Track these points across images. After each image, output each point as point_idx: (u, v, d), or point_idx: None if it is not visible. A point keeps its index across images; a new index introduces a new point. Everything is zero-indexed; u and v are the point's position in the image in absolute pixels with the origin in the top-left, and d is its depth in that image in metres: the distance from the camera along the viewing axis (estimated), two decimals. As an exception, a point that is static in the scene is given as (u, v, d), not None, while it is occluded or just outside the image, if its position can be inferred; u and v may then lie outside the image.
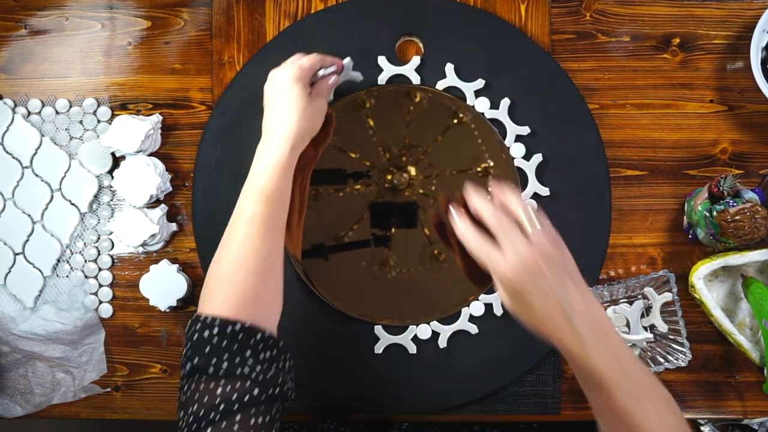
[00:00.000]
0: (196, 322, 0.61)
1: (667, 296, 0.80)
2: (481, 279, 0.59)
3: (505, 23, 0.86)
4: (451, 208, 0.57)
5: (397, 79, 0.85)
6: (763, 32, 0.80)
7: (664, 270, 0.80)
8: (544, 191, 0.83)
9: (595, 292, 0.81)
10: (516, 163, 0.83)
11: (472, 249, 0.55)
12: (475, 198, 0.57)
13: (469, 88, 0.84)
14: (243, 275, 0.64)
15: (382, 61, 0.84)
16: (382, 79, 0.84)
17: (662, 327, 0.81)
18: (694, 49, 0.86)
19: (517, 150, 0.83)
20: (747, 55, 0.81)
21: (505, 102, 0.83)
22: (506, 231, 0.54)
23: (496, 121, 0.84)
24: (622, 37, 0.86)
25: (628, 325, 0.82)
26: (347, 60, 0.77)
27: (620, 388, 0.53)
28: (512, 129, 0.83)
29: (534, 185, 0.83)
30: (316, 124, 0.73)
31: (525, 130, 0.83)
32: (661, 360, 0.80)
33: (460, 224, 0.56)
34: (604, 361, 0.53)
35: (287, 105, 0.71)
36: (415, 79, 0.84)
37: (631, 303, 0.83)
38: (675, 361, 0.78)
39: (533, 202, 0.81)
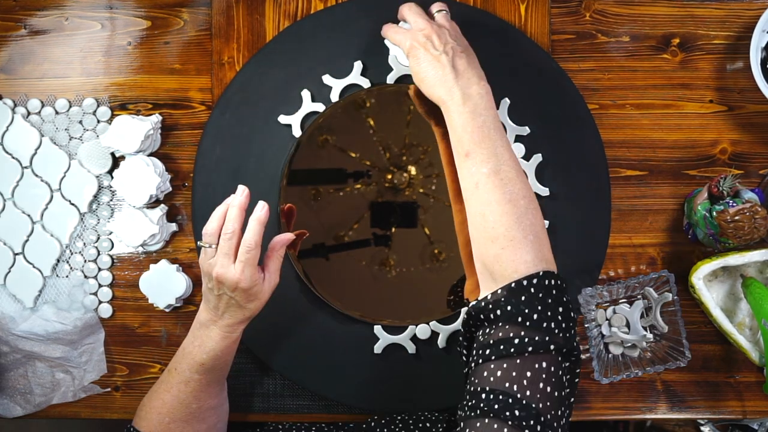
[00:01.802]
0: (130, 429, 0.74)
1: (667, 296, 0.80)
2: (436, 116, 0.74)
3: (505, 23, 0.86)
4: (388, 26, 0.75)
5: (405, 80, 0.85)
6: (763, 32, 0.80)
7: (664, 270, 0.80)
8: (544, 191, 0.83)
9: (595, 292, 0.81)
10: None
11: (389, 34, 0.74)
12: (403, 8, 0.74)
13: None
14: (169, 420, 0.73)
15: (392, 59, 0.84)
16: (391, 78, 0.84)
17: (662, 327, 0.81)
18: (693, 49, 0.86)
19: (516, 150, 0.83)
20: (747, 55, 0.81)
21: (505, 102, 0.83)
22: (414, 19, 0.72)
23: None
24: (621, 37, 0.86)
25: (628, 325, 0.83)
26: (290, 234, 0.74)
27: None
28: (512, 129, 0.83)
29: (534, 185, 0.83)
30: (266, 299, 0.72)
31: (524, 131, 0.83)
32: (661, 360, 0.80)
33: (388, 27, 0.74)
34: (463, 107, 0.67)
35: (250, 307, 0.71)
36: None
37: (631, 303, 0.83)
38: (675, 362, 0.78)
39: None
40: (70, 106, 0.87)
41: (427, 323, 0.83)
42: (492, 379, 0.58)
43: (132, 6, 0.88)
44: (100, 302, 0.87)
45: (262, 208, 0.69)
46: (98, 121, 0.87)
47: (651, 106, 0.86)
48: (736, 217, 0.76)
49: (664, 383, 0.85)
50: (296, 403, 0.85)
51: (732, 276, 0.84)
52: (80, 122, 0.87)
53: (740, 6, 0.86)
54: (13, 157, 0.86)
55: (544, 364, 0.58)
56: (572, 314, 0.61)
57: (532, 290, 0.60)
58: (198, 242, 0.72)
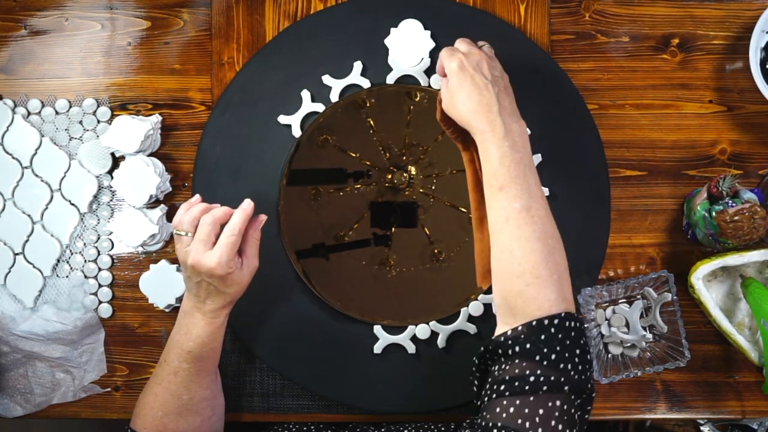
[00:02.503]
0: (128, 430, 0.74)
1: (667, 296, 0.80)
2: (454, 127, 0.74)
3: (505, 24, 0.86)
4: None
5: (406, 80, 0.85)
6: (762, 33, 0.80)
7: (664, 270, 0.80)
8: (544, 191, 0.83)
9: (595, 292, 0.81)
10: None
11: (443, 56, 0.71)
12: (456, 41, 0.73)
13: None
14: (162, 413, 0.74)
15: (392, 59, 0.84)
16: (391, 78, 0.84)
17: (662, 327, 0.81)
18: (693, 49, 0.86)
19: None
20: (746, 55, 0.81)
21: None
22: (465, 46, 0.71)
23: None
24: (621, 37, 0.86)
25: (627, 325, 0.83)
26: (262, 216, 0.75)
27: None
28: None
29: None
30: (250, 280, 0.74)
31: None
32: (661, 360, 0.80)
33: (444, 50, 0.72)
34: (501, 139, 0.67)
35: (229, 292, 0.72)
36: (424, 80, 0.84)
37: (630, 303, 0.83)
38: (674, 362, 0.78)
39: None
40: (70, 107, 0.88)
41: (427, 323, 0.83)
42: (504, 415, 0.58)
43: (132, 6, 0.88)
44: (100, 302, 0.87)
45: (248, 204, 0.72)
46: (98, 122, 0.87)
47: (650, 106, 0.86)
48: (736, 217, 0.76)
49: (663, 383, 0.85)
50: (296, 403, 0.85)
51: (731, 276, 0.84)
52: (80, 122, 0.87)
53: (740, 6, 0.86)
54: (14, 158, 0.86)
55: (557, 403, 0.58)
56: (589, 357, 0.62)
57: (553, 330, 0.60)
58: (173, 230, 0.72)
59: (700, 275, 0.80)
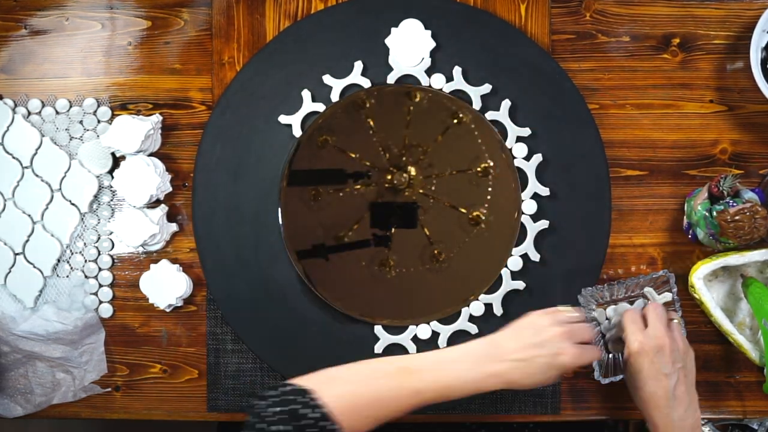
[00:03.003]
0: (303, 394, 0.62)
1: (667, 296, 0.80)
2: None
3: (505, 23, 0.86)
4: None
5: (406, 80, 0.85)
6: (763, 32, 0.80)
7: (664, 270, 0.80)
8: (544, 191, 0.83)
9: (595, 291, 0.81)
10: (516, 163, 0.83)
11: (626, 322, 0.74)
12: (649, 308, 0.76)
13: (475, 93, 0.84)
14: (367, 414, 0.64)
15: (392, 59, 0.84)
16: (391, 78, 0.84)
17: (662, 327, 0.81)
18: (693, 49, 0.86)
19: (518, 150, 0.83)
20: (747, 55, 0.81)
21: (506, 104, 0.83)
22: (653, 323, 0.72)
23: (496, 122, 0.84)
24: (622, 37, 0.86)
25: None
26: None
27: None
28: (513, 130, 0.83)
29: (534, 185, 0.83)
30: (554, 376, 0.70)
31: (526, 132, 0.83)
32: None
33: (629, 312, 0.75)
34: None
35: (536, 377, 0.67)
36: (424, 80, 0.84)
37: (631, 303, 0.83)
38: None
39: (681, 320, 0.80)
40: (71, 106, 0.88)
41: (428, 323, 0.83)
42: None
43: (132, 6, 0.88)
44: (101, 302, 0.87)
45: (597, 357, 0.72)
46: (99, 121, 0.87)
47: (651, 106, 0.86)
48: (736, 217, 0.76)
49: (664, 383, 0.85)
50: (296, 403, 0.85)
51: (732, 276, 0.84)
52: (81, 122, 0.87)
53: (740, 6, 0.86)
54: (14, 157, 0.86)
55: None
56: None
57: None
58: (559, 306, 0.72)
59: (700, 275, 0.80)
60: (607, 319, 0.83)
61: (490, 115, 0.83)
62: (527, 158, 0.83)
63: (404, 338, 0.83)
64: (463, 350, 0.69)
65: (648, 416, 0.70)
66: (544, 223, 0.83)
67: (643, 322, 0.74)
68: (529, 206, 0.83)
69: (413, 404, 0.66)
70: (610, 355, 0.83)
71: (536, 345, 0.67)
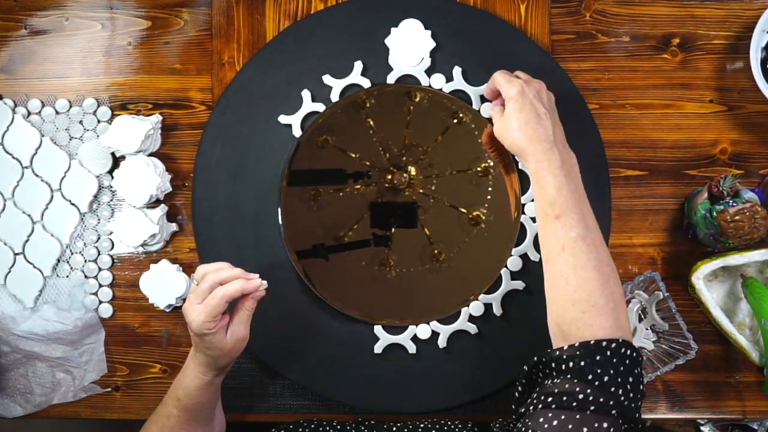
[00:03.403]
0: None
1: (658, 295, 0.80)
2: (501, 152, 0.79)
3: (505, 23, 0.86)
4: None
5: (406, 80, 0.85)
6: (763, 32, 0.80)
7: (648, 271, 0.80)
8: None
9: None
10: (518, 166, 0.83)
11: (498, 77, 0.73)
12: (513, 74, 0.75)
13: (475, 93, 0.84)
14: None
15: (392, 59, 0.84)
16: (391, 78, 0.84)
17: (662, 325, 0.81)
18: (693, 49, 0.86)
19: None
20: (747, 55, 0.81)
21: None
22: (523, 75, 0.73)
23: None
24: (621, 37, 0.86)
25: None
26: (263, 282, 0.71)
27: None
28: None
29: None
30: (238, 350, 0.72)
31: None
32: (671, 356, 0.79)
33: (499, 72, 0.74)
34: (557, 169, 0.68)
35: (199, 345, 0.70)
36: (424, 80, 0.84)
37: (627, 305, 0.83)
38: (683, 356, 0.78)
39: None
40: (71, 106, 0.88)
41: (428, 323, 0.83)
42: (547, 426, 0.58)
43: (132, 6, 0.88)
44: (101, 302, 0.87)
45: (256, 281, 0.69)
46: (98, 121, 0.87)
47: (651, 106, 0.86)
48: (736, 217, 0.76)
49: (664, 383, 0.85)
50: (296, 402, 0.85)
51: (732, 276, 0.84)
52: (80, 122, 0.87)
53: (740, 6, 0.86)
54: (14, 157, 0.86)
55: (604, 425, 0.58)
56: (642, 387, 0.61)
57: (608, 353, 0.60)
58: (191, 276, 0.73)
59: (700, 275, 0.80)
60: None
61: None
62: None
63: (404, 338, 0.83)
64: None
65: (528, 153, 0.69)
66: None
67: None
68: (529, 208, 0.83)
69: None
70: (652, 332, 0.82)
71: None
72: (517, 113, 0.69)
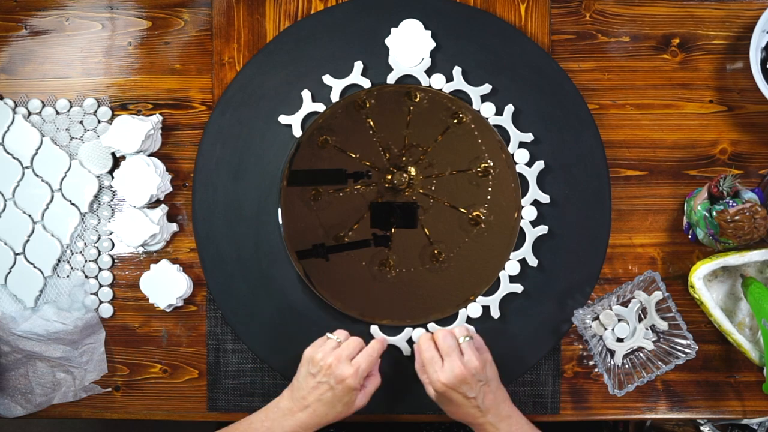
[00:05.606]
0: None
1: (658, 295, 0.80)
2: None
3: (505, 23, 0.86)
4: (420, 337, 0.77)
5: (406, 80, 0.85)
6: (763, 32, 0.80)
7: (648, 271, 0.80)
8: (545, 198, 0.83)
9: (587, 310, 0.81)
10: (518, 169, 0.83)
11: (425, 362, 0.75)
12: (436, 331, 0.77)
13: (475, 93, 0.84)
14: None
15: (392, 59, 0.84)
16: (391, 78, 0.84)
17: (662, 325, 0.81)
18: (693, 49, 0.86)
19: (520, 156, 0.83)
20: (746, 55, 0.81)
21: (509, 108, 0.83)
22: (449, 356, 0.73)
23: (498, 127, 0.84)
24: (621, 37, 0.86)
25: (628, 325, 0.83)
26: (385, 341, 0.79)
27: None
28: (516, 136, 0.83)
29: (534, 191, 0.83)
30: (357, 408, 0.76)
31: (528, 137, 0.83)
32: (670, 357, 0.79)
33: (424, 342, 0.76)
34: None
35: (337, 409, 0.74)
36: (424, 80, 0.84)
37: (625, 306, 0.83)
38: (683, 355, 0.78)
39: (470, 327, 0.83)
40: (71, 107, 0.88)
41: (426, 324, 0.83)
42: None
43: (132, 6, 0.88)
44: (101, 302, 0.87)
45: (384, 341, 0.79)
46: (99, 122, 0.87)
47: (651, 106, 0.86)
48: (736, 217, 0.76)
49: (664, 383, 0.85)
50: (296, 402, 0.85)
51: (732, 276, 0.84)
52: (81, 122, 0.87)
53: (740, 6, 0.86)
54: (14, 158, 0.87)
55: None
56: None
57: None
58: (328, 334, 0.77)
59: (700, 275, 0.80)
60: (605, 328, 0.83)
61: (492, 120, 0.83)
62: (529, 164, 0.83)
63: (399, 340, 0.83)
64: (273, 406, 0.76)
65: (469, 425, 0.75)
66: (544, 228, 0.83)
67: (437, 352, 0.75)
68: (529, 210, 0.83)
69: None
70: (617, 364, 0.82)
71: (320, 382, 0.73)
72: (443, 405, 0.75)
